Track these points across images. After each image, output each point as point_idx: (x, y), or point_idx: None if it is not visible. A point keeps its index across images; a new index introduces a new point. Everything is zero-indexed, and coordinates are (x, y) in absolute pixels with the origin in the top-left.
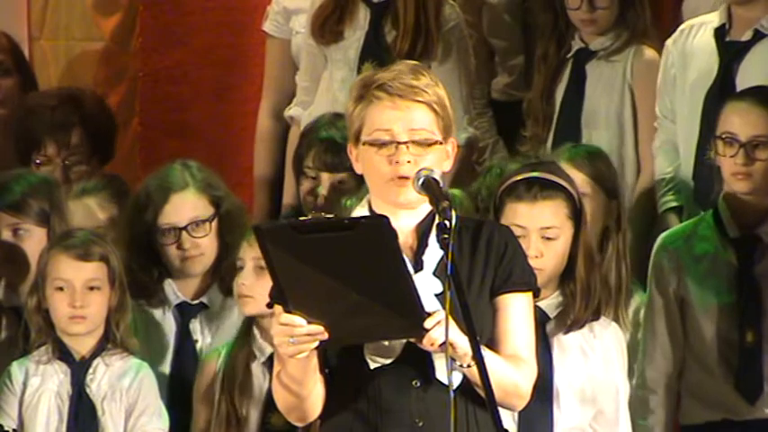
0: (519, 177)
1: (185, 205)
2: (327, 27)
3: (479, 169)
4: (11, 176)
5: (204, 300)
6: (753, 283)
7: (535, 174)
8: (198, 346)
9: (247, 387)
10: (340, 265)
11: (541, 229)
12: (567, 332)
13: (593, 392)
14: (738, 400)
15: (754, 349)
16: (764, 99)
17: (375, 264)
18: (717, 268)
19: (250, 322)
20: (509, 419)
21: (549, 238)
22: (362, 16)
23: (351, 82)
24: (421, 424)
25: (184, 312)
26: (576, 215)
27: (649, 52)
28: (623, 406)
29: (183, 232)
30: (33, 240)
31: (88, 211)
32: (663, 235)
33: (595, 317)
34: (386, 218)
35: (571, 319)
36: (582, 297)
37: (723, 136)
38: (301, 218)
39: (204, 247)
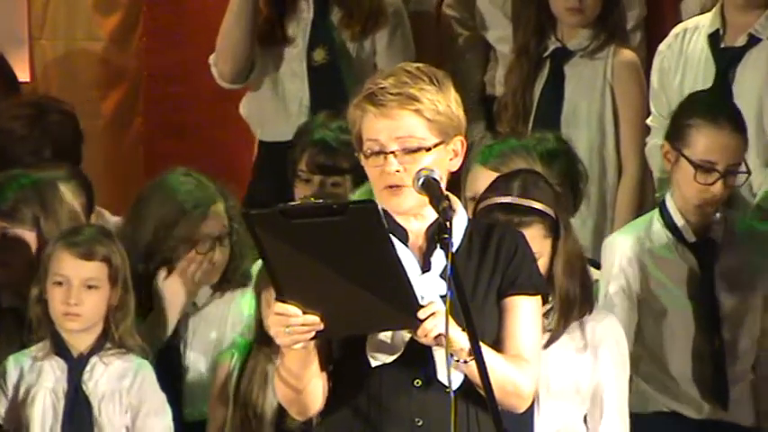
0: (496, 201)
1: (219, 217)
2: (276, 34)
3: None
4: (3, 178)
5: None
6: (714, 287)
7: (511, 200)
8: (181, 339)
9: (263, 387)
10: (331, 252)
11: None
12: (546, 346)
13: (582, 389)
14: (693, 399)
15: (720, 353)
16: (738, 124)
17: (365, 250)
18: (678, 274)
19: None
20: None
21: None
22: (304, 7)
23: (301, 72)
24: (420, 423)
25: None
26: (554, 229)
27: (628, 52)
28: (616, 399)
29: (216, 242)
30: (22, 244)
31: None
32: (612, 236)
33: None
34: (374, 202)
35: (548, 331)
36: (561, 311)
37: (702, 164)
38: (291, 203)
39: (218, 259)
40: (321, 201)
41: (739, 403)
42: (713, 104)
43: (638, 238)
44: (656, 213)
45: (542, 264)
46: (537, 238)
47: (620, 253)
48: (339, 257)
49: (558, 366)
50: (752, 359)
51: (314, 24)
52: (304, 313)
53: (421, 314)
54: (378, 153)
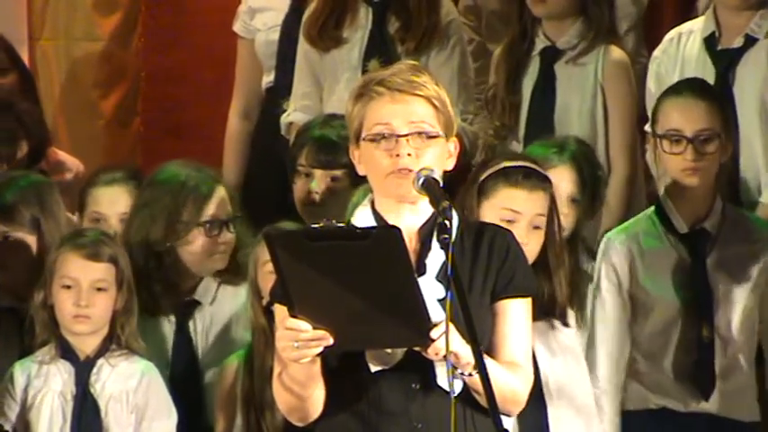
0: (515, 163)
1: (223, 201)
2: (326, 33)
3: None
4: (1, 180)
5: (195, 297)
6: (705, 278)
7: (530, 165)
8: (194, 344)
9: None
10: (349, 273)
11: (535, 216)
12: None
13: (566, 389)
14: (683, 393)
15: (709, 345)
16: (702, 91)
17: (384, 273)
18: (667, 264)
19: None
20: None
21: (536, 227)
22: (363, 15)
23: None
24: (420, 427)
25: (179, 311)
26: (550, 212)
27: (618, 53)
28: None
29: (224, 227)
30: (23, 246)
31: (115, 197)
32: (608, 234)
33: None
34: (398, 229)
35: (556, 309)
36: (567, 285)
37: (669, 134)
38: (313, 225)
39: (230, 242)
40: (343, 224)
41: (739, 398)
42: (679, 82)
43: (629, 234)
44: (651, 209)
45: (542, 236)
46: (547, 206)
47: (611, 251)
48: (356, 278)
49: (545, 365)
50: (748, 351)
51: (371, 35)
52: (314, 328)
53: (434, 333)
54: (388, 137)
